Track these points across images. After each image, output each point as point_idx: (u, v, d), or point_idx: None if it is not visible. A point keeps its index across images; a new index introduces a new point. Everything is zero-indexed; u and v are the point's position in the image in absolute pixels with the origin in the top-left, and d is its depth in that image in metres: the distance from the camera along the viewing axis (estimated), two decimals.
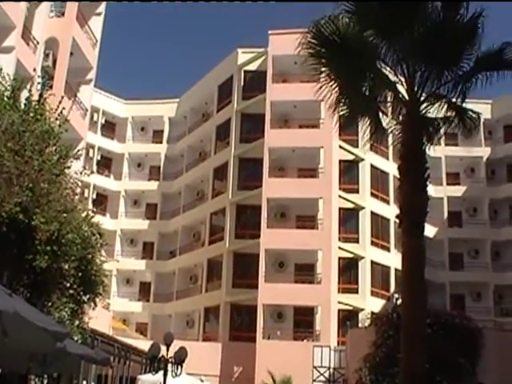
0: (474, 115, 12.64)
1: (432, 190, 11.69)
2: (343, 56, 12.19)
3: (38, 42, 27.81)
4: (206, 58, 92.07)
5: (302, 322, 40.49)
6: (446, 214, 50.14)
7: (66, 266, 13.12)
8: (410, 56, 12.14)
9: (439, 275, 43.68)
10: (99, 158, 52.63)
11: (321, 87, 12.54)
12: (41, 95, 14.38)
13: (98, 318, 16.79)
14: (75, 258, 13.37)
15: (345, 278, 41.41)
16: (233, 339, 41.55)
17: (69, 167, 14.31)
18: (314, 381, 35.50)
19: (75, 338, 12.87)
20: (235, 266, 43.40)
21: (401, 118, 12.78)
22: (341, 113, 13.40)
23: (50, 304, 12.98)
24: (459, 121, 12.64)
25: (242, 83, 47.44)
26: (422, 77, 12.19)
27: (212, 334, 43.64)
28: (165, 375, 13.39)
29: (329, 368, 35.65)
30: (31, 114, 13.42)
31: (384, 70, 12.64)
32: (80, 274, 13.64)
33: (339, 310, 39.92)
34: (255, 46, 47.58)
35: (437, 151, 13.00)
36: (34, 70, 23.51)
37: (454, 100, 12.56)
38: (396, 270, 41.05)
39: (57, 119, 14.24)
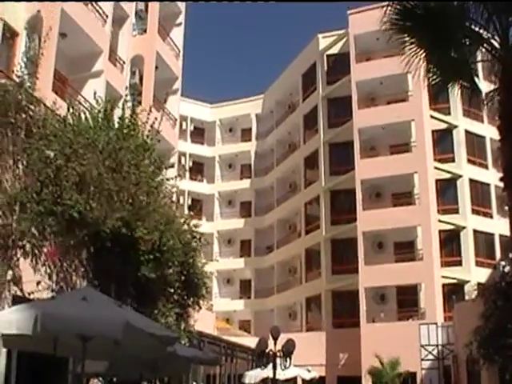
0: None
1: None
2: (430, 25, 11.99)
3: (124, 62, 28.90)
4: (287, 49, 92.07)
5: (406, 302, 39.99)
6: None
7: (169, 272, 13.64)
8: (502, 9, 11.79)
9: None
10: (191, 164, 53.88)
11: (407, 59, 12.42)
12: (133, 111, 14.95)
13: (203, 320, 17.28)
14: (177, 263, 13.87)
15: (447, 251, 40.54)
16: (336, 326, 41.67)
17: (165, 178, 14.82)
18: (422, 360, 35.09)
19: (182, 342, 13.36)
20: (333, 253, 43.44)
21: (496, 77, 12.43)
22: (430, 82, 13.20)
23: (156, 311, 13.55)
24: None
25: (326, 68, 47.23)
26: None
27: (315, 323, 43.86)
28: (274, 369, 13.71)
29: (437, 345, 35.13)
30: (125, 131, 14.00)
31: (474, 30, 12.33)
32: (183, 279, 14.14)
33: (443, 285, 39.18)
34: (335, 29, 47.28)
35: None
36: (126, 88, 24.31)
37: None
38: (501, 236, 39.59)
39: (149, 131, 14.76)
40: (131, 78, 29.84)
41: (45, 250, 11.58)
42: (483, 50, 12.39)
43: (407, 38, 12.33)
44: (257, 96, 56.10)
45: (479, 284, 34.46)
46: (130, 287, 12.80)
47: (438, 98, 34.73)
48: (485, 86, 13.68)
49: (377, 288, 40.04)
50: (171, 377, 16.73)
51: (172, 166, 16.34)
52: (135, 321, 7.98)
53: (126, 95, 18.89)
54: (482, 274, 38.40)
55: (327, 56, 47.39)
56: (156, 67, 31.39)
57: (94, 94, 14.77)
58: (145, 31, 31.67)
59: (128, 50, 29.41)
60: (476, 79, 12.85)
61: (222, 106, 56.71)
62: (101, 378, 12.50)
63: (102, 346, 8.41)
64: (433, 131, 42.04)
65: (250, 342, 27.05)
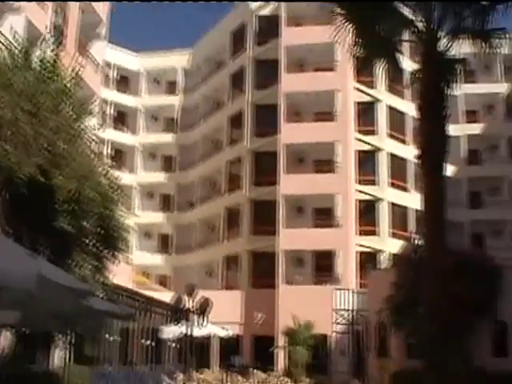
0: (500, 34, 12.36)
1: (450, 129, 11.74)
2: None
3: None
4: (218, 5, 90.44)
5: (323, 266, 40.82)
6: (464, 153, 49.68)
7: (87, 224, 13.18)
8: None
9: (458, 214, 43.36)
10: (114, 113, 52.64)
11: (336, 30, 12.39)
12: (55, 54, 14.16)
13: (120, 273, 16.95)
14: (95, 214, 13.43)
15: (364, 220, 41.54)
16: (254, 286, 42.08)
17: (86, 126, 14.24)
18: (335, 323, 35.99)
19: (98, 295, 13.02)
20: (254, 214, 43.64)
21: (419, 58, 12.61)
22: (357, 55, 13.25)
23: (72, 262, 13.12)
24: (484, 46, 12.35)
25: (256, 29, 46.83)
26: (440, 15, 12.01)
27: (233, 282, 44.21)
28: (189, 325, 13.55)
29: (350, 310, 36.06)
30: (45, 73, 13.24)
31: (401, 11, 12.46)
32: (101, 231, 13.72)
33: (359, 253, 40.26)
34: None
35: (454, 89, 12.83)
36: (46, 27, 23.19)
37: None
38: (415, 210, 40.92)
39: (71, 77, 14.07)
40: (55, 17, 28.45)
41: None
42: (408, 30, 12.54)
43: (338, 9, 12.33)
44: (185, 50, 54.97)
45: (393, 255, 35.53)
46: (46, 237, 12.27)
47: (363, 70, 34.99)
48: (409, 64, 13.78)
49: (295, 251, 40.58)
50: (86, 330, 16.38)
51: (93, 113, 15.64)
52: (49, 272, 7.55)
53: (49, 35, 17.92)
54: (396, 245, 39.36)
55: (258, 17, 46.93)
56: (81, 9, 30.09)
57: (11, 29, 13.83)
58: None
59: None
60: (400, 57, 13.06)
61: (148, 55, 55.29)
62: (12, 330, 12.03)
63: (13, 296, 7.94)
64: (356, 103, 42.73)
65: (168, 297, 26.82)
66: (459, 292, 13.52)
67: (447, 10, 11.95)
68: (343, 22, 12.39)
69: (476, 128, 50.09)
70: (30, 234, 11.72)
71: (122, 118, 54.30)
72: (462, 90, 46.78)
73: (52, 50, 14.21)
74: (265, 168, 44.05)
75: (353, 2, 12.31)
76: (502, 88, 50.32)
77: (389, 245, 40.44)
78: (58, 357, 18.42)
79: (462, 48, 12.63)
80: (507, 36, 12.52)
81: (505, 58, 43.31)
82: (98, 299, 11.95)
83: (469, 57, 13.00)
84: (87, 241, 13.54)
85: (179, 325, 13.07)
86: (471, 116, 50.65)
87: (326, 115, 42.36)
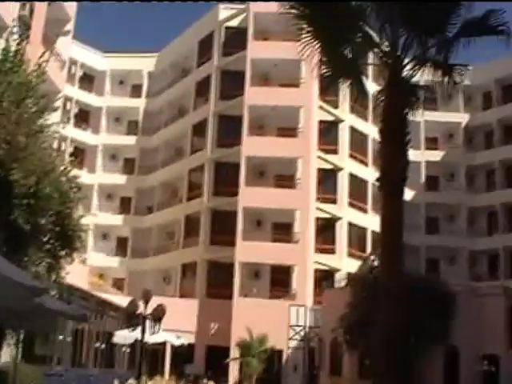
0: (461, 68, 12.59)
1: (410, 154, 11.90)
2: (327, 17, 12.08)
3: None
4: (186, 12, 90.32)
5: (279, 281, 40.89)
6: (423, 178, 50.55)
7: (44, 221, 12.97)
8: (395, 20, 12.07)
9: (415, 239, 44.04)
10: (77, 111, 52.10)
11: (303, 46, 12.44)
12: (19, 44, 13.97)
13: (75, 273, 16.70)
14: (53, 212, 13.22)
15: (322, 238, 41.79)
16: (210, 296, 41.88)
17: (47, 121, 14.03)
18: (289, 339, 36.00)
19: (52, 293, 12.81)
20: (213, 223, 43.50)
21: (383, 81, 12.74)
22: (322, 73, 13.34)
23: (26, 259, 12.87)
24: (446, 78, 12.57)
25: (223, 39, 46.98)
26: (405, 41, 12.16)
27: (189, 290, 43.85)
28: (143, 332, 13.39)
29: (304, 327, 36.14)
30: (8, 65, 13.04)
31: (368, 33, 12.57)
32: (57, 229, 13.50)
33: (316, 270, 40.41)
34: (237, 2, 47.21)
35: (416, 115, 13.05)
36: (13, 20, 22.79)
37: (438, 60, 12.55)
38: (373, 231, 41.44)
39: (35, 71, 13.88)
40: (20, 9, 27.99)
41: None
42: (374, 53, 12.69)
43: (304, 26, 12.39)
44: (152, 53, 54.67)
45: (349, 274, 35.78)
46: (0, 230, 12.01)
47: (327, 89, 35.41)
48: (373, 86, 13.93)
49: (252, 264, 40.59)
50: (38, 329, 16.05)
51: (56, 109, 15.44)
52: (1, 267, 7.41)
53: (13, 27, 17.67)
54: (353, 265, 40.02)
55: (226, 28, 47.14)
56: (49, 3, 29.72)
57: None
58: None
59: None
60: (364, 79, 13.20)
61: (115, 56, 54.58)
62: None
63: None
64: (320, 121, 43.15)
65: (123, 300, 26.47)
66: (412, 315, 13.62)
67: (413, 37, 12.12)
68: (310, 39, 12.46)
69: (436, 155, 51.12)
70: None
71: (84, 117, 53.63)
72: (423, 117, 48.15)
73: (18, 44, 13.98)
74: (226, 178, 43.98)
75: (320, 21, 12.33)
76: (462, 118, 51.56)
77: (346, 264, 40.84)
78: (8, 354, 18.01)
79: (426, 75, 12.83)
80: (468, 70, 12.77)
81: (466, 88, 44.26)
82: (52, 298, 11.76)
83: (432, 84, 13.22)
84: (43, 238, 13.31)
85: (133, 330, 12.93)
86: (431, 143, 51.73)
87: (288, 131, 42.57)
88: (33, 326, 13.52)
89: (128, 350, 31.79)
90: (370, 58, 13.49)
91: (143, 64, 54.53)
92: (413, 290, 15.10)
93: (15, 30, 17.41)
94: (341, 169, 43.13)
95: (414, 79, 12.67)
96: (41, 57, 14.47)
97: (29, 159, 12.35)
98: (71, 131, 47.15)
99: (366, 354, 23.27)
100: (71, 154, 46.62)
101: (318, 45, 12.47)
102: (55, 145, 15.69)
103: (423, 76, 12.83)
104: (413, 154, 12.90)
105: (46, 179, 12.90)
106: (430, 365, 24.00)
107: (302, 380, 36.43)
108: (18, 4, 27.53)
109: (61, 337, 23.85)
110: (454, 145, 51.83)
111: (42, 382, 19.20)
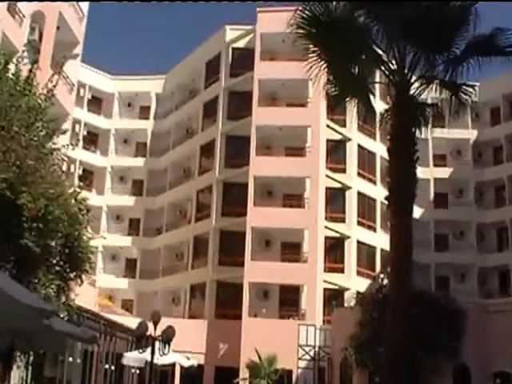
0: (469, 89, 12.61)
1: (419, 171, 11.88)
2: (334, 36, 12.12)
3: (24, 16, 27.38)
4: (194, 34, 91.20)
5: (288, 301, 40.68)
6: (432, 196, 50.38)
7: (53, 243, 13.00)
8: (401, 38, 12.11)
9: (424, 256, 43.80)
10: (85, 133, 52.33)
11: (310, 66, 12.49)
12: (30, 70, 14.12)
13: (84, 295, 16.77)
14: (62, 234, 13.26)
15: (331, 257, 41.61)
16: (219, 317, 41.69)
17: (56, 144, 14.13)
18: (299, 359, 35.77)
19: (61, 315, 12.82)
20: (221, 244, 43.41)
21: (391, 100, 12.75)
22: (330, 93, 13.36)
23: (36, 281, 12.89)
24: (453, 97, 12.58)
25: (230, 60, 47.19)
26: (413, 59, 12.19)
27: (198, 311, 43.70)
28: (152, 353, 13.35)
29: (314, 347, 35.87)
30: (18, 89, 13.17)
31: (375, 52, 12.60)
32: (66, 251, 13.53)
33: (325, 289, 40.15)
34: (244, 23, 47.45)
35: (424, 133, 13.08)
36: (25, 45, 23.08)
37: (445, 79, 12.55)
38: (382, 250, 41.28)
39: (44, 95, 14.00)
40: (30, 33, 28.34)
41: None
42: (381, 72, 12.70)
43: (311, 46, 12.44)
44: (159, 76, 55.07)
45: (358, 293, 35.58)
46: (10, 253, 12.05)
47: (335, 108, 35.48)
48: (380, 104, 13.93)
49: (261, 284, 40.41)
50: (47, 350, 16.03)
51: (65, 132, 15.54)
52: (10, 289, 7.43)
53: (23, 51, 17.90)
54: (362, 284, 39.77)
55: (233, 49, 47.41)
56: (58, 27, 30.09)
57: None
58: None
59: (29, 4, 27.77)
60: (372, 98, 13.19)
61: (123, 78, 55.15)
62: None
63: None
64: (327, 140, 43.11)
65: (132, 322, 26.44)
66: (423, 334, 13.55)
67: (420, 55, 12.14)
68: (317, 58, 12.50)
69: (444, 172, 50.95)
70: None
71: (92, 139, 53.92)
72: (431, 134, 48.07)
73: (30, 70, 14.13)
74: (234, 199, 43.98)
75: (327, 40, 12.39)
76: (470, 134, 51.41)
77: (355, 283, 40.58)
78: (17, 376, 18.00)
79: (433, 92, 12.84)
80: (475, 89, 12.79)
81: (473, 104, 44.10)
82: (61, 320, 11.75)
83: (439, 102, 13.22)
84: (52, 260, 13.34)
85: (142, 351, 12.89)
86: (440, 160, 51.58)
87: (296, 150, 42.61)
88: (42, 348, 13.50)
89: (137, 372, 31.67)
90: (377, 76, 13.51)
91: (151, 86, 54.91)
92: (423, 306, 15.07)
93: (25, 54, 17.61)
94: (349, 187, 43.04)
95: (422, 97, 12.69)
96: (50, 80, 14.59)
97: (38, 183, 12.41)
98: (80, 153, 47.38)
99: (375, 372, 23.07)
100: (80, 176, 46.92)
101: (325, 64, 12.52)
102: (64, 167, 15.71)
103: (430, 93, 12.86)
104: (421, 172, 12.91)
105: (55, 202, 12.96)
106: (440, 382, 23.76)
107: None
108: (27, 28, 27.90)
109: (70, 358, 23.83)
110: (462, 161, 51.67)
111: None
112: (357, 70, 12.85)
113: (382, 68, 12.52)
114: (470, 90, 12.68)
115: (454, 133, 49.49)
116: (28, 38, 27.80)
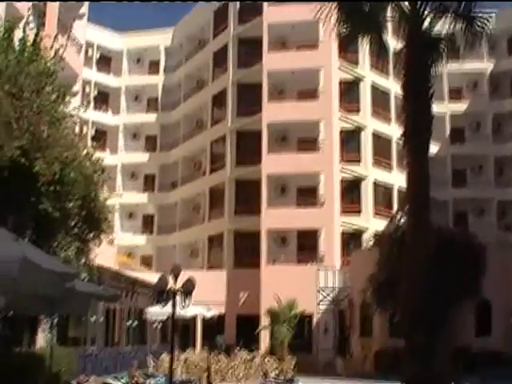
0: (483, 19, 12.30)
1: (434, 107, 11.70)
2: None
3: None
4: None
5: (306, 246, 40.77)
6: (448, 131, 49.76)
7: (70, 206, 13.09)
8: None
9: (442, 193, 43.50)
10: (96, 93, 52.14)
11: (320, 7, 12.24)
12: (37, 34, 13.96)
13: (104, 255, 16.91)
14: (78, 196, 13.32)
15: (347, 199, 41.56)
16: (237, 266, 42.09)
17: (67, 107, 14.08)
18: (318, 303, 36.15)
19: (82, 276, 13.00)
20: (237, 194, 43.54)
21: (404, 35, 12.50)
22: (341, 32, 13.12)
23: (55, 244, 13.03)
24: (467, 28, 12.28)
25: (238, 7, 46.37)
26: None
27: (216, 262, 44.14)
28: (173, 307, 13.50)
29: (333, 289, 36.17)
30: (26, 55, 13.06)
31: None
32: (84, 213, 13.62)
33: (343, 232, 40.30)
34: None
35: (438, 67, 12.87)
36: (29, 9, 22.77)
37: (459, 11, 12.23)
38: (399, 189, 41.09)
39: (52, 58, 13.88)
40: None
41: None
42: (393, 7, 12.43)
43: None
44: (167, 28, 54.41)
45: (376, 233, 35.64)
46: (29, 219, 12.16)
47: (346, 48, 34.81)
48: (393, 41, 13.61)
49: (278, 230, 40.54)
50: (71, 313, 16.33)
51: (76, 94, 15.47)
52: (33, 256, 7.51)
53: (29, 16, 17.68)
54: (380, 224, 39.54)
55: None
56: None
57: None
58: None
59: None
60: (384, 35, 12.91)
61: (130, 35, 54.61)
62: None
63: None
64: (340, 81, 42.45)
65: (152, 277, 26.80)
66: (442, 271, 13.55)
67: None
68: None
69: (460, 106, 50.11)
70: (14, 217, 11.59)
71: (103, 98, 53.77)
72: (446, 68, 47.18)
73: (36, 34, 13.97)
74: (248, 147, 43.79)
75: None
76: (486, 65, 50.25)
77: (372, 224, 40.50)
78: (43, 339, 18.41)
79: (447, 25, 12.54)
80: (491, 21, 12.46)
81: (490, 36, 43.07)
82: (83, 282, 11.92)
83: (453, 35, 12.90)
84: (71, 223, 13.45)
85: (164, 306, 13.08)
86: (455, 94, 50.62)
87: (309, 94, 42.06)
88: (66, 311, 13.74)
89: (160, 326, 32.22)
90: (389, 12, 13.22)
91: (159, 40, 54.26)
92: (441, 243, 15.02)
93: (31, 18, 17.42)
94: (363, 128, 42.65)
95: (435, 30, 12.41)
96: (54, 40, 14.41)
97: (52, 147, 12.41)
98: (92, 114, 47.24)
99: (395, 312, 23.20)
100: (93, 137, 46.93)
101: (336, 3, 12.29)
102: (77, 129, 15.69)
103: (444, 27, 12.56)
104: (436, 107, 12.72)
105: (69, 165, 12.99)
106: (462, 319, 23.85)
107: (333, 342, 36.62)
108: None
109: (93, 318, 24.22)
110: (478, 94, 50.56)
111: (78, 363, 19.64)
112: (368, 6, 12.61)
113: (394, 3, 12.27)
114: (486, 20, 12.35)
115: (469, 65, 48.40)
116: (32, 2, 27.39)
